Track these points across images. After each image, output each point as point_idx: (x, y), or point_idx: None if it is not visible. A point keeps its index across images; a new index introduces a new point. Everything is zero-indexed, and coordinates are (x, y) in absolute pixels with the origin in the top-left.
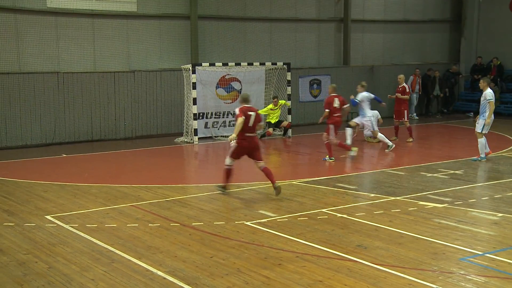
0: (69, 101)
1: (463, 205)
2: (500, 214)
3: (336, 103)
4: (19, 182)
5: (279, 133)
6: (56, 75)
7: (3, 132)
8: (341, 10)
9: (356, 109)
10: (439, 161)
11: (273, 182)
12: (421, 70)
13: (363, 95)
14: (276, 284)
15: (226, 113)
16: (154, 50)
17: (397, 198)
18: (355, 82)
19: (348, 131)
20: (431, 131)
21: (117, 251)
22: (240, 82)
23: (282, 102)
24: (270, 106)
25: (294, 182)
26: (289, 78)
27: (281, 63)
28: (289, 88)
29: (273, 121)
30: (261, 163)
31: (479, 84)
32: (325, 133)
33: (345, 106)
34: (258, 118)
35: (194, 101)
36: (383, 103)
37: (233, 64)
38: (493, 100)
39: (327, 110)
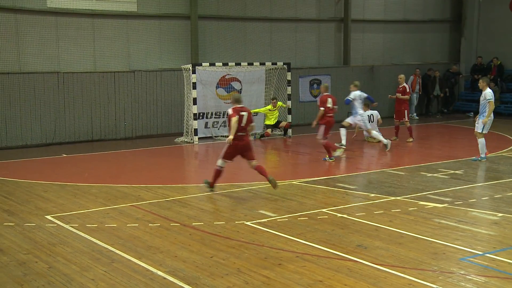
0: (69, 101)
1: (463, 205)
2: (500, 214)
3: (329, 103)
4: (19, 182)
5: (279, 133)
6: (56, 75)
7: (3, 132)
8: (341, 10)
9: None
10: (439, 161)
11: (266, 177)
12: (421, 70)
13: (356, 94)
14: (276, 284)
15: (226, 113)
16: (154, 50)
17: (397, 198)
18: None
19: (342, 131)
20: (431, 131)
21: (117, 251)
22: (240, 82)
23: (280, 104)
24: (269, 107)
25: (294, 182)
26: (289, 78)
27: (281, 63)
28: (289, 88)
29: (271, 123)
30: (254, 162)
31: (479, 84)
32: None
33: (335, 106)
34: (250, 118)
35: (194, 101)
36: (375, 103)
37: (233, 64)
38: (493, 100)
39: (322, 108)
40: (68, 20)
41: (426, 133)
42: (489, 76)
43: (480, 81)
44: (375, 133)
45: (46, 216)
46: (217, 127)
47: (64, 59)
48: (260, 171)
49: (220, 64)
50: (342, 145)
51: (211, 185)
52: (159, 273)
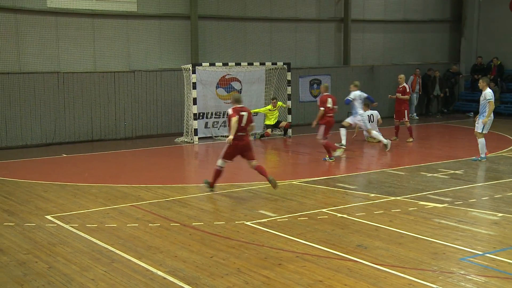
0: (69, 101)
1: (463, 205)
2: (500, 214)
3: (329, 103)
4: (19, 182)
5: (279, 133)
6: (56, 75)
7: (3, 132)
8: (341, 10)
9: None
10: (439, 161)
11: (266, 177)
12: (421, 70)
13: (356, 94)
14: (276, 284)
15: (226, 113)
16: (154, 50)
17: (397, 198)
18: None
19: (342, 131)
20: (431, 131)
21: (117, 251)
22: (240, 82)
23: (280, 104)
24: (269, 107)
25: (294, 182)
26: (289, 78)
27: (281, 63)
28: (289, 88)
29: (271, 123)
30: (254, 162)
31: (479, 84)
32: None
33: (335, 106)
34: (250, 118)
35: (194, 101)
36: (375, 103)
37: (233, 64)
38: (493, 100)
39: (322, 108)
40: (68, 20)
41: (426, 133)
42: (489, 76)
43: (480, 81)
44: (375, 133)
45: (46, 216)
46: (217, 127)
47: (64, 59)
48: (260, 171)
49: (220, 64)
50: (342, 145)
51: (211, 185)
52: (159, 273)
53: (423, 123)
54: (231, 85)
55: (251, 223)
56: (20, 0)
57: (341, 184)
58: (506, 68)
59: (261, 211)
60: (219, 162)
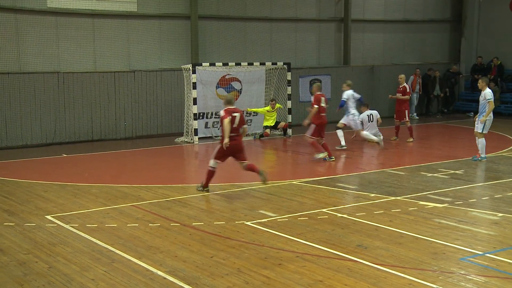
0: (69, 101)
1: (463, 205)
2: (500, 214)
3: (323, 102)
4: (19, 182)
5: (279, 133)
6: (57, 75)
7: (4, 132)
8: (341, 10)
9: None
10: (439, 161)
11: (257, 171)
12: (421, 70)
13: (348, 94)
14: (276, 284)
15: (218, 114)
16: (154, 50)
17: (397, 198)
18: (356, 82)
19: (339, 132)
20: (431, 131)
21: (117, 251)
22: (240, 82)
23: (278, 106)
24: (267, 108)
25: (294, 182)
26: (289, 78)
27: (281, 63)
28: (289, 88)
29: (270, 124)
30: (245, 163)
31: (478, 84)
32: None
33: (327, 105)
34: (242, 119)
35: (194, 101)
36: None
37: (233, 64)
38: (493, 100)
39: (316, 106)
40: (68, 20)
41: (426, 133)
42: (489, 76)
43: (480, 81)
44: (365, 133)
45: (46, 216)
46: (217, 127)
47: (64, 59)
48: (251, 168)
49: (220, 64)
50: (342, 146)
51: (205, 186)
52: (159, 273)
53: (423, 123)
54: (231, 85)
55: (251, 223)
56: (20, 0)
57: (341, 184)
58: (506, 68)
59: (261, 211)
60: (211, 162)
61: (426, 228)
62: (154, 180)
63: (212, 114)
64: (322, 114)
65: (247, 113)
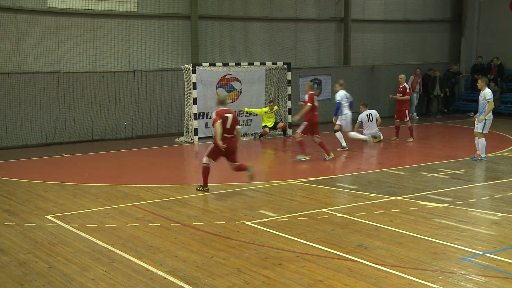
0: (69, 101)
1: (463, 205)
2: (501, 214)
3: (316, 101)
4: (19, 182)
5: (279, 133)
6: (57, 75)
7: (4, 132)
8: (341, 10)
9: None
10: (440, 161)
11: (246, 168)
12: (422, 70)
13: (341, 94)
14: (276, 284)
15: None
16: (155, 50)
17: (398, 198)
18: (356, 82)
19: (338, 134)
20: (431, 131)
21: (117, 251)
22: (240, 82)
23: (276, 108)
24: (266, 109)
25: (294, 182)
26: (289, 78)
27: (282, 63)
28: (289, 88)
29: (269, 125)
30: (236, 164)
31: (478, 84)
32: (315, 135)
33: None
34: (235, 120)
35: (195, 101)
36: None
37: (234, 64)
38: (492, 100)
39: (309, 104)
40: (68, 20)
41: (426, 133)
42: (489, 76)
43: (479, 81)
44: (353, 134)
45: (46, 216)
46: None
47: (65, 59)
48: (240, 168)
49: (220, 64)
50: (344, 147)
51: (204, 186)
52: (160, 273)
53: (423, 123)
54: (231, 85)
55: (252, 223)
56: (20, 0)
57: (341, 184)
58: (506, 68)
59: (261, 211)
60: (204, 159)
61: (426, 228)
62: (154, 180)
63: (212, 114)
64: (315, 112)
65: (245, 113)
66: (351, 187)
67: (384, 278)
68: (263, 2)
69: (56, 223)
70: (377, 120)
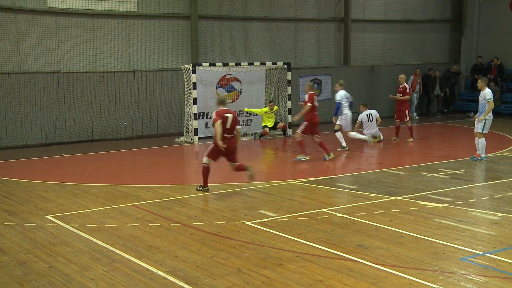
0: (69, 101)
1: (463, 205)
2: (501, 214)
3: (316, 101)
4: (19, 182)
5: (279, 133)
6: (57, 75)
7: (4, 132)
8: (341, 10)
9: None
10: (440, 161)
11: (245, 168)
12: (422, 70)
13: (341, 94)
14: (276, 284)
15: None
16: (155, 50)
17: (398, 198)
18: (356, 82)
19: (338, 135)
20: (431, 131)
21: (117, 251)
22: (240, 82)
23: (276, 108)
24: (266, 109)
25: (294, 182)
26: (289, 78)
27: (282, 63)
28: (289, 88)
29: (269, 125)
30: (236, 164)
31: (477, 84)
32: (315, 135)
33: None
34: (235, 119)
35: (195, 101)
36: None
37: (234, 64)
38: (492, 100)
39: (309, 104)
40: (68, 20)
41: (426, 133)
42: (489, 76)
43: (479, 81)
44: (353, 134)
45: (46, 216)
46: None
47: (65, 59)
48: (240, 168)
49: (220, 64)
50: (344, 147)
51: (204, 186)
52: (160, 273)
53: (423, 123)
54: (231, 85)
55: (252, 223)
56: (20, 0)
57: (341, 184)
58: (506, 68)
59: (261, 211)
60: (205, 159)
61: (426, 228)
62: (154, 180)
63: (212, 114)
64: (315, 112)
65: (245, 113)
66: (351, 187)
67: (384, 278)
68: (263, 2)
69: (56, 223)
70: (377, 120)
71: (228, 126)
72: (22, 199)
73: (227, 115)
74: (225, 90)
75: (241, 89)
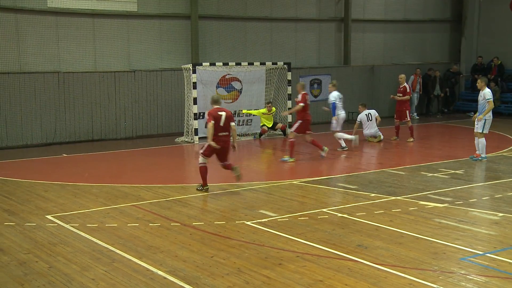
0: (69, 101)
1: (463, 204)
2: (501, 214)
3: (308, 101)
4: (19, 182)
5: (279, 133)
6: (57, 75)
7: (4, 132)
8: (342, 10)
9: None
10: (440, 161)
11: (231, 167)
12: (422, 70)
13: (335, 95)
14: (276, 284)
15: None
16: (155, 49)
17: (398, 198)
18: (356, 82)
19: (338, 135)
20: (431, 131)
21: (117, 251)
22: (240, 81)
23: (274, 109)
24: (263, 110)
25: (294, 182)
26: (289, 78)
27: (282, 63)
28: (289, 88)
29: (268, 125)
30: (225, 163)
31: (477, 84)
32: (307, 132)
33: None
34: (229, 117)
35: (195, 101)
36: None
37: (234, 63)
38: (492, 99)
39: (302, 104)
40: (68, 20)
41: (426, 133)
42: (489, 76)
43: (479, 80)
44: (339, 134)
45: (46, 216)
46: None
47: (65, 59)
48: (227, 167)
49: (221, 64)
50: (343, 147)
51: (204, 185)
52: (160, 272)
53: (424, 123)
54: (231, 85)
55: (252, 223)
56: (20, 0)
57: (341, 184)
58: (506, 68)
59: (261, 211)
60: (200, 159)
61: (427, 228)
62: (154, 180)
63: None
64: (307, 111)
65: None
66: (351, 187)
67: (384, 278)
68: (263, 2)
69: (56, 223)
70: (376, 119)
71: (221, 124)
72: (22, 199)
73: (220, 113)
74: (225, 90)
75: (241, 89)
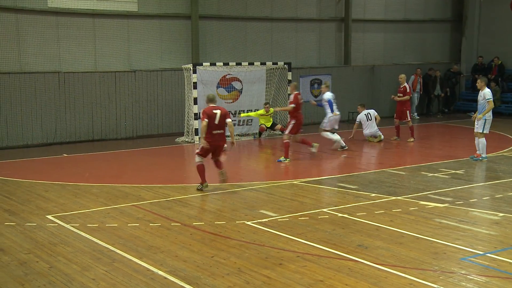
0: (70, 101)
1: (464, 204)
2: (501, 214)
3: (301, 100)
4: (20, 182)
5: (279, 133)
6: (57, 75)
7: (4, 132)
8: (342, 10)
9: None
10: (440, 161)
11: (220, 169)
12: (422, 69)
13: (329, 95)
14: (277, 284)
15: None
16: (155, 49)
17: (398, 197)
18: (356, 82)
19: (335, 136)
20: (432, 131)
21: (118, 251)
22: (241, 81)
23: (272, 110)
24: (261, 111)
25: (295, 182)
26: (290, 77)
27: (282, 63)
28: (289, 88)
29: (268, 125)
30: (216, 159)
31: (477, 84)
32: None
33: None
34: (223, 114)
35: (195, 101)
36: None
37: (234, 63)
38: (492, 99)
39: (292, 105)
40: (69, 20)
41: (427, 133)
42: (490, 76)
43: (479, 80)
44: (325, 134)
45: (47, 216)
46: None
47: (65, 59)
48: (217, 165)
49: (221, 64)
50: (343, 147)
51: (203, 182)
52: (160, 272)
53: (424, 122)
54: (231, 85)
55: (252, 223)
56: (21, 0)
57: (341, 184)
58: (507, 68)
59: (262, 211)
60: (197, 158)
61: (427, 228)
62: (154, 180)
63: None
64: (299, 111)
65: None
66: (352, 187)
67: (384, 278)
68: (263, 2)
69: (56, 223)
70: (376, 118)
71: (216, 122)
72: (22, 199)
73: (215, 111)
74: (226, 90)
75: (241, 89)
